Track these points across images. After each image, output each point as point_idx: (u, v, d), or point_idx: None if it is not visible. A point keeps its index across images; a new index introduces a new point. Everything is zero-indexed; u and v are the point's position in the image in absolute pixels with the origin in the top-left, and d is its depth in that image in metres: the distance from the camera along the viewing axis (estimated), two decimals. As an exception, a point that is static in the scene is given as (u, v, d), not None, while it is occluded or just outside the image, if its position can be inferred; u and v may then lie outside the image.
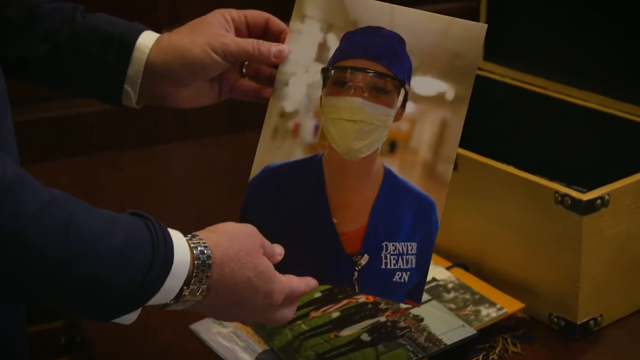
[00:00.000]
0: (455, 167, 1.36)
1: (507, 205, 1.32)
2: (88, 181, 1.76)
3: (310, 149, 1.12)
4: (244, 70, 1.20)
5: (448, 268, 1.37)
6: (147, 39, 1.16)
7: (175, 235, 1.01)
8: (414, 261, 1.08)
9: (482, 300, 1.30)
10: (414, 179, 1.09)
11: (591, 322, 1.29)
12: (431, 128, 1.09)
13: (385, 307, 1.30)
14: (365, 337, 1.26)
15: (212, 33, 1.15)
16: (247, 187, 1.15)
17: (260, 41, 1.15)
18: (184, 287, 1.00)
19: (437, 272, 1.36)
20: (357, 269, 1.10)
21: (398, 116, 1.10)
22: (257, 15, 1.19)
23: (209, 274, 1.01)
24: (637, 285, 1.33)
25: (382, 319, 1.28)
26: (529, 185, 1.28)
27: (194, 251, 1.01)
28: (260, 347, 1.26)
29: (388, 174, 1.10)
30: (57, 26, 1.18)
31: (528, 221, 1.29)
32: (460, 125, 1.08)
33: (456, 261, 1.39)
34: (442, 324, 1.26)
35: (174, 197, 1.79)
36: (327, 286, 1.34)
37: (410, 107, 1.10)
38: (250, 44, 1.14)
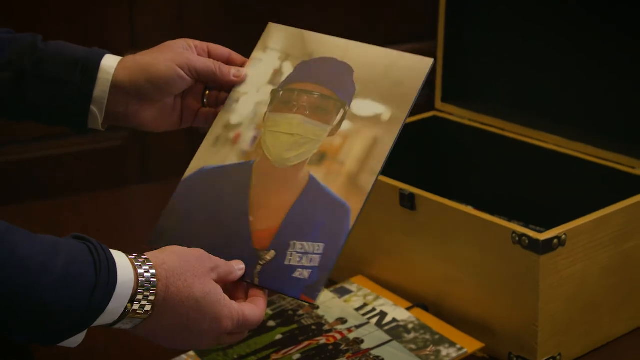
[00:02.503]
0: (413, 208, 1.37)
1: (465, 245, 1.33)
2: (48, 225, 1.75)
3: (245, 156, 1.20)
4: (205, 100, 1.25)
5: (408, 309, 1.38)
6: (111, 60, 1.20)
7: (118, 256, 1.01)
8: (318, 260, 1.10)
9: (442, 340, 1.30)
10: (335, 187, 1.13)
11: (550, 361, 1.30)
12: (361, 144, 1.15)
13: (345, 348, 1.30)
14: None
15: (177, 52, 1.21)
16: (178, 185, 1.22)
17: (221, 63, 1.23)
18: (128, 305, 1.00)
19: (397, 312, 1.36)
20: (261, 263, 1.12)
21: (333, 132, 1.16)
22: (219, 49, 1.25)
23: (154, 292, 1.01)
24: (595, 324, 1.34)
25: None
26: (487, 225, 1.29)
27: (138, 270, 1.01)
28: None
29: (312, 181, 1.15)
30: (18, 54, 1.20)
31: (486, 261, 1.30)
32: (390, 143, 1.13)
33: (416, 301, 1.39)
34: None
35: (135, 240, 1.78)
36: (289, 327, 1.35)
37: (346, 125, 1.17)
38: (212, 63, 1.21)
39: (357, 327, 1.34)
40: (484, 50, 1.69)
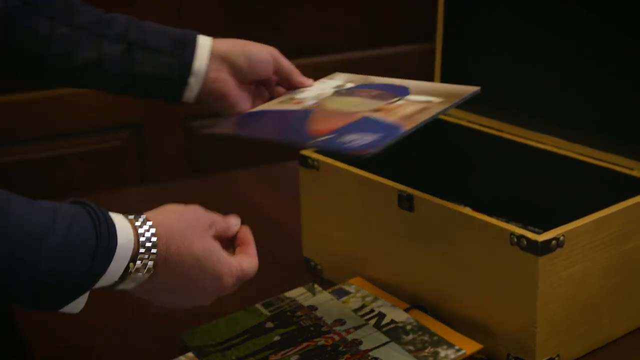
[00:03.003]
0: (412, 209, 1.37)
1: (464, 246, 1.32)
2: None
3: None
4: (273, 90, 1.42)
5: (406, 310, 1.38)
6: (205, 38, 1.35)
7: (118, 218, 1.02)
8: (372, 137, 1.20)
9: (441, 341, 1.30)
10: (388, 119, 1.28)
11: (549, 362, 1.30)
12: (412, 108, 1.31)
13: (344, 349, 1.30)
14: None
15: (268, 46, 1.39)
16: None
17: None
18: (130, 265, 1.01)
19: (396, 313, 1.36)
20: (315, 139, 1.22)
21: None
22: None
23: (154, 252, 1.02)
24: (594, 325, 1.34)
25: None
26: (486, 226, 1.29)
27: (138, 230, 1.02)
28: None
29: (365, 117, 1.28)
30: (124, 27, 1.32)
31: (485, 262, 1.30)
32: (436, 111, 1.29)
33: (414, 303, 1.39)
34: None
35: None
36: (287, 329, 1.35)
37: (401, 101, 1.34)
38: (292, 65, 1.41)
39: (356, 328, 1.34)
40: (483, 51, 1.69)
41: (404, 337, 1.32)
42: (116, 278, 1.01)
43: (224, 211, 1.45)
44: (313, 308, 1.40)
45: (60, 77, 1.32)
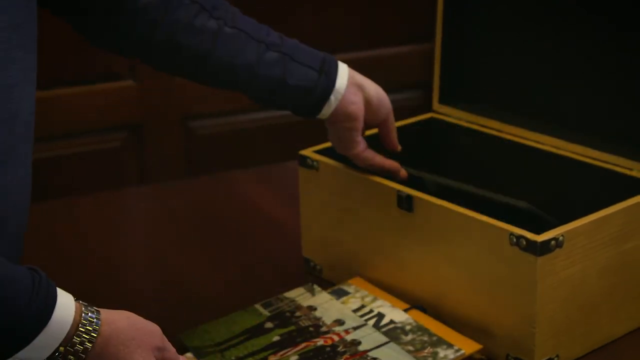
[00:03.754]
0: (411, 209, 1.37)
1: (463, 246, 1.33)
2: (46, 226, 1.75)
3: None
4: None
5: (406, 310, 1.38)
6: (342, 63, 1.40)
7: (64, 296, 0.99)
8: None
9: (440, 342, 1.30)
10: None
11: (548, 362, 1.30)
12: None
13: (343, 350, 1.30)
14: None
15: None
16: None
17: None
18: (60, 348, 0.96)
19: (395, 314, 1.36)
20: None
21: None
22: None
23: (89, 346, 0.98)
24: (593, 325, 1.34)
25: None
26: (485, 226, 1.29)
27: (83, 314, 0.98)
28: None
29: None
30: (279, 38, 1.38)
31: (484, 262, 1.30)
32: None
33: (414, 303, 1.39)
34: None
35: (133, 241, 1.78)
36: (286, 329, 1.35)
37: None
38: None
39: (355, 328, 1.34)
40: (482, 52, 1.69)
41: (403, 337, 1.32)
42: (44, 355, 0.96)
43: (224, 212, 1.46)
44: (312, 308, 1.40)
45: (218, 75, 1.36)
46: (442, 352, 1.28)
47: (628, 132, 1.50)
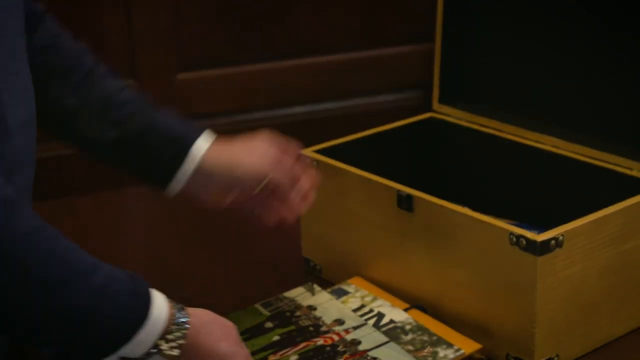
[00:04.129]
0: (411, 209, 1.37)
1: (463, 246, 1.33)
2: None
3: None
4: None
5: (406, 310, 1.38)
6: (204, 143, 1.31)
7: (157, 294, 1.04)
8: None
9: (440, 341, 1.30)
10: None
11: (548, 362, 1.30)
12: None
13: (343, 349, 1.30)
14: None
15: (261, 159, 1.32)
16: None
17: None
18: (158, 342, 1.02)
19: (395, 313, 1.36)
20: None
21: None
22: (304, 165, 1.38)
23: (184, 334, 1.04)
24: (593, 326, 1.34)
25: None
26: (485, 226, 1.29)
27: (172, 310, 1.04)
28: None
29: None
30: (128, 116, 1.30)
31: (484, 262, 1.30)
32: None
33: (413, 303, 1.39)
34: None
35: (134, 241, 1.78)
36: (286, 329, 1.35)
37: None
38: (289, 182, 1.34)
39: (355, 328, 1.34)
40: (481, 52, 1.69)
41: (403, 337, 1.32)
42: (144, 349, 1.01)
43: (224, 212, 1.45)
44: (312, 308, 1.40)
45: (72, 141, 1.36)
46: (442, 352, 1.28)
47: (628, 132, 1.50)
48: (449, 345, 1.30)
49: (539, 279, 1.24)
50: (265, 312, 1.39)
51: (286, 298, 1.43)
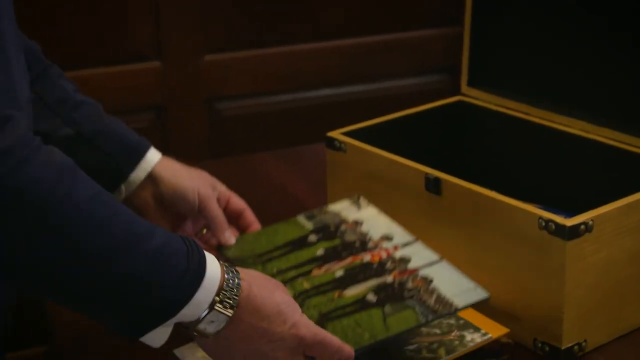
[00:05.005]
0: (439, 193, 1.37)
1: (491, 230, 1.32)
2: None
3: None
4: (204, 231, 1.42)
5: (432, 293, 1.37)
6: (154, 155, 1.38)
7: (207, 253, 1.06)
8: None
9: (467, 325, 1.30)
10: None
11: (575, 347, 1.29)
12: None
13: (391, 266, 1.27)
14: (371, 297, 1.23)
15: (205, 185, 1.39)
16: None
17: (226, 221, 1.38)
18: (215, 298, 1.03)
19: (422, 297, 1.36)
20: None
21: None
22: (237, 203, 1.43)
23: (238, 290, 1.05)
24: (621, 311, 1.33)
25: (389, 279, 1.25)
26: (513, 210, 1.29)
27: (224, 268, 1.06)
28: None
29: None
30: (83, 118, 1.34)
31: (512, 246, 1.30)
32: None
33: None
34: (453, 285, 1.24)
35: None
36: (331, 243, 1.33)
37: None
38: (221, 215, 1.38)
39: (404, 245, 1.30)
40: (510, 35, 1.68)
41: (430, 320, 1.31)
42: (202, 310, 1.03)
43: (249, 194, 1.46)
44: (358, 223, 1.36)
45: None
46: (468, 336, 1.28)
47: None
48: (476, 329, 1.29)
49: (567, 263, 1.24)
50: (309, 225, 1.37)
51: (330, 211, 1.40)
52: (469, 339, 1.27)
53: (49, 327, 1.45)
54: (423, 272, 1.26)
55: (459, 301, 1.22)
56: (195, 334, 1.06)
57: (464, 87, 1.71)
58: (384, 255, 1.30)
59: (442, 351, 1.25)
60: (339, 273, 1.26)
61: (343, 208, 1.40)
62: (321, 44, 2.56)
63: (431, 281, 1.25)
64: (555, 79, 1.63)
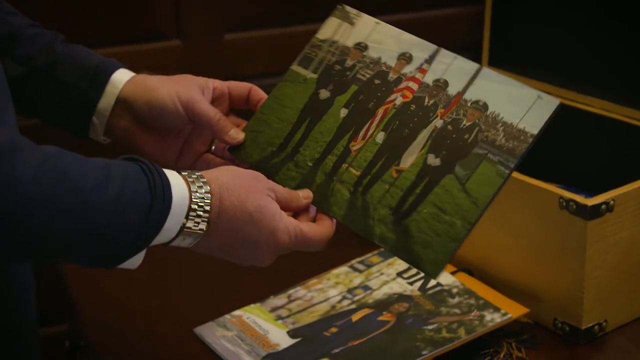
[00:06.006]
0: (459, 172, 1.36)
1: (511, 210, 1.32)
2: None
3: None
4: (213, 147, 1.23)
5: (453, 273, 1.37)
6: (122, 75, 1.19)
7: (171, 175, 1.02)
8: None
9: (487, 305, 1.30)
10: None
11: (596, 327, 1.28)
12: None
13: (431, 101, 1.05)
14: (432, 160, 1.05)
15: (187, 87, 1.18)
16: None
17: (224, 118, 1.18)
18: (184, 221, 1.00)
19: (442, 277, 1.36)
20: None
21: None
22: (240, 87, 1.22)
23: (208, 208, 1.02)
24: (641, 291, 1.33)
25: (439, 123, 1.05)
26: (534, 190, 1.28)
27: (191, 186, 1.02)
28: (264, 350, 1.26)
29: None
30: (36, 51, 1.20)
31: (533, 226, 1.29)
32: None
33: (461, 266, 1.39)
34: (512, 101, 1.02)
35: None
36: (348, 93, 1.13)
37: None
38: (214, 113, 1.17)
39: (428, 61, 1.08)
40: (532, 15, 1.68)
41: (450, 300, 1.31)
42: (172, 235, 1.01)
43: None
44: (362, 47, 1.15)
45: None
46: (488, 316, 1.28)
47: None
48: (496, 309, 1.29)
49: (588, 243, 1.23)
50: (310, 75, 1.18)
51: (323, 42, 1.19)
52: (488, 319, 1.27)
53: (69, 305, 1.46)
54: (470, 96, 1.04)
55: (531, 124, 1.02)
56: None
57: (485, 66, 1.70)
58: (414, 87, 1.08)
59: (462, 331, 1.25)
60: (380, 137, 1.08)
61: (334, 31, 1.18)
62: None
63: (486, 107, 1.04)
64: (577, 58, 1.62)
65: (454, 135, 1.04)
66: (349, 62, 1.16)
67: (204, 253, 1.06)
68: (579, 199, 1.23)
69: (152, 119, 1.18)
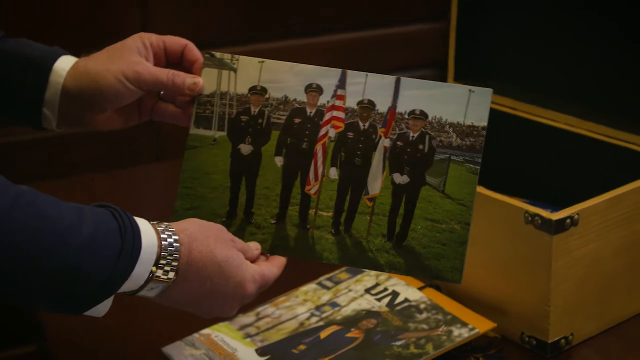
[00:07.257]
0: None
1: (477, 225, 1.32)
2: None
3: None
4: (161, 93, 1.21)
5: (420, 288, 1.38)
6: (65, 63, 1.17)
7: (141, 222, 1.02)
8: None
9: (454, 320, 1.30)
10: None
11: (562, 340, 1.29)
12: None
13: (367, 124, 1.05)
14: (399, 179, 1.04)
15: (129, 60, 1.15)
16: None
17: (176, 72, 1.15)
18: (153, 269, 1.01)
19: (410, 292, 1.36)
20: None
21: None
22: (175, 42, 1.19)
23: (177, 256, 1.02)
24: (607, 304, 1.34)
25: (386, 142, 1.05)
26: (500, 205, 1.29)
27: (161, 234, 1.02)
28: (233, 369, 1.26)
29: None
30: None
31: (499, 241, 1.30)
32: None
33: (428, 281, 1.39)
34: (448, 104, 1.03)
35: (149, 219, 1.78)
36: (273, 143, 1.09)
37: None
38: (165, 75, 1.15)
39: (340, 86, 1.07)
40: (496, 30, 1.69)
41: (418, 315, 1.32)
42: (141, 282, 1.01)
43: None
44: (259, 91, 1.12)
45: None
46: (456, 331, 1.28)
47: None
48: (464, 324, 1.30)
49: (553, 257, 1.24)
50: (218, 133, 1.14)
51: (210, 97, 1.14)
52: (456, 334, 1.28)
53: (37, 324, 1.45)
54: (404, 108, 1.04)
55: (477, 117, 1.04)
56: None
57: (451, 81, 1.71)
58: (341, 115, 1.06)
59: (430, 346, 1.26)
60: (333, 173, 1.06)
61: (217, 82, 1.13)
62: (311, 39, 2.55)
63: (424, 113, 1.04)
64: (541, 73, 1.63)
65: (408, 150, 1.04)
66: (254, 109, 1.12)
67: (170, 305, 1.06)
68: (544, 213, 1.24)
69: (105, 104, 1.16)
